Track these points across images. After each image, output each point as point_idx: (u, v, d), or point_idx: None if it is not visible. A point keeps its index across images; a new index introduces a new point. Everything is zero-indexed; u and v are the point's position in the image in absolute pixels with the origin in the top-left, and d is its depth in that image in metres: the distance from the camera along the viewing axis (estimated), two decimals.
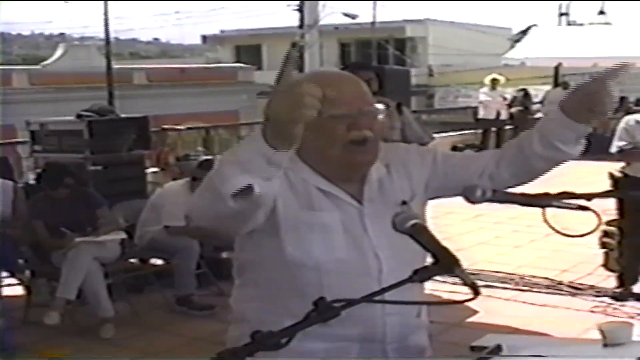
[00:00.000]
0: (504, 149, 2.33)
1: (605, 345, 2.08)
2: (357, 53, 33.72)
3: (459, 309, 5.30)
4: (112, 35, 19.20)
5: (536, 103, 18.72)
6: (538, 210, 2.13)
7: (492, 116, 16.91)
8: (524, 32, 23.55)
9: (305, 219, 2.06)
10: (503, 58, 18.61)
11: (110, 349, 5.51)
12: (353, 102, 2.07)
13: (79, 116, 7.77)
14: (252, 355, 1.47)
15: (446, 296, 5.16)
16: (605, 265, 6.69)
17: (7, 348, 5.21)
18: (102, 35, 18.68)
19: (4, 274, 6.40)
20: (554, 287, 6.57)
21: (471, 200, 2.19)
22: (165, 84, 23.67)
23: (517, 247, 8.14)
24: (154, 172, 9.71)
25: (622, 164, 6.09)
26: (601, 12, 22.27)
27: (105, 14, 17.11)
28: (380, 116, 2.16)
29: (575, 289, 6.46)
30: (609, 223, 6.26)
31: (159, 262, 6.90)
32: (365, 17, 28.95)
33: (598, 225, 2.16)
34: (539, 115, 16.08)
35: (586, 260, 7.06)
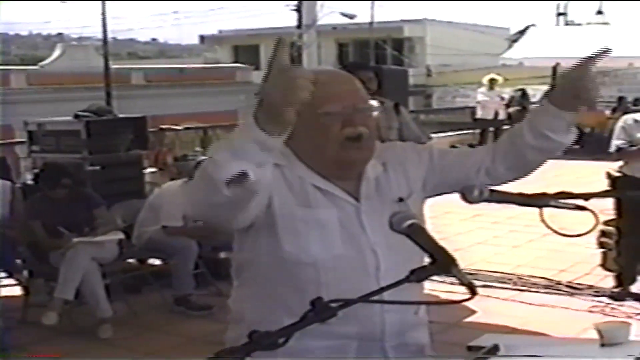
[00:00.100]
0: (497, 143, 2.34)
1: (603, 345, 2.08)
2: (355, 53, 33.73)
3: (457, 309, 5.30)
4: (110, 35, 19.25)
5: (534, 103, 18.70)
6: (536, 210, 2.13)
7: (490, 116, 16.94)
8: (522, 32, 23.59)
9: (302, 216, 2.06)
10: (501, 58, 18.66)
11: (108, 349, 5.51)
12: (347, 99, 2.08)
13: (76, 116, 7.76)
14: (249, 354, 1.47)
15: (444, 296, 5.15)
16: (603, 265, 6.69)
17: (5, 348, 5.21)
18: (100, 35, 18.72)
19: (2, 274, 6.43)
20: (552, 287, 6.57)
21: (469, 200, 2.20)
22: (163, 84, 23.65)
23: (515, 247, 8.15)
24: (152, 172, 9.71)
25: (619, 163, 6.09)
26: (599, 12, 22.34)
27: (103, 14, 17.14)
28: (375, 113, 2.17)
29: (574, 289, 6.46)
30: (606, 223, 6.27)
31: (157, 262, 6.91)
32: (363, 17, 28.96)
33: (596, 225, 2.16)
34: None
35: (584, 260, 7.06)
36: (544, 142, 2.18)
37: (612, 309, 5.89)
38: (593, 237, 6.50)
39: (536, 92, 19.88)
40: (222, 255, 6.67)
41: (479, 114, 17.36)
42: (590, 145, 15.46)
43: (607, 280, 6.43)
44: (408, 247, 1.73)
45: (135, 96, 19.40)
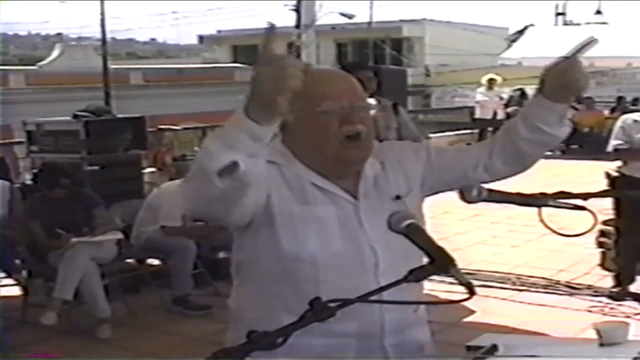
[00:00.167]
0: (494, 138, 2.34)
1: (602, 344, 2.08)
2: (354, 53, 33.69)
3: (456, 309, 5.30)
4: (109, 35, 19.23)
5: None
6: (535, 210, 2.14)
7: (489, 116, 16.94)
8: (521, 32, 23.64)
9: (300, 213, 2.06)
10: (500, 58, 18.68)
11: (107, 349, 5.51)
12: (345, 97, 2.08)
13: (75, 116, 7.76)
14: (248, 355, 1.47)
15: (443, 296, 5.15)
16: (602, 265, 6.70)
17: (4, 348, 5.21)
18: (98, 35, 18.66)
19: (1, 274, 6.42)
20: (551, 286, 6.57)
21: (467, 200, 2.20)
22: (162, 84, 23.61)
23: (514, 247, 8.15)
24: (151, 172, 9.71)
25: (618, 163, 6.10)
26: (598, 12, 22.36)
27: (102, 14, 17.07)
28: (373, 111, 2.18)
29: (573, 289, 6.46)
30: (605, 222, 6.27)
31: (156, 262, 6.91)
32: (362, 17, 28.90)
33: (594, 225, 2.17)
34: None
35: (583, 260, 7.07)
36: (538, 135, 2.18)
37: (611, 308, 5.90)
38: (592, 237, 6.51)
39: (535, 92, 19.89)
40: (221, 255, 6.67)
41: (478, 113, 17.36)
42: (589, 145, 15.48)
43: (606, 280, 6.44)
44: (407, 245, 1.73)
45: (134, 96, 19.37)
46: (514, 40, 23.84)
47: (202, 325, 5.87)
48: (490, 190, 2.20)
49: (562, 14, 32.28)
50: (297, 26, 18.01)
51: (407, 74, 11.48)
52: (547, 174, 9.44)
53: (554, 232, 2.24)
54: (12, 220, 6.28)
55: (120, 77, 21.01)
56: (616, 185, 5.96)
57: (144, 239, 6.47)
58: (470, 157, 2.28)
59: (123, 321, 5.97)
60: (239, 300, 2.21)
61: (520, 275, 6.92)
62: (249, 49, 35.38)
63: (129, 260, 6.83)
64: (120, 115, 8.74)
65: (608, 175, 6.13)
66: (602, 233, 6.51)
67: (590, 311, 5.87)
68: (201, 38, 40.82)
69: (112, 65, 19.01)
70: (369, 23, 28.74)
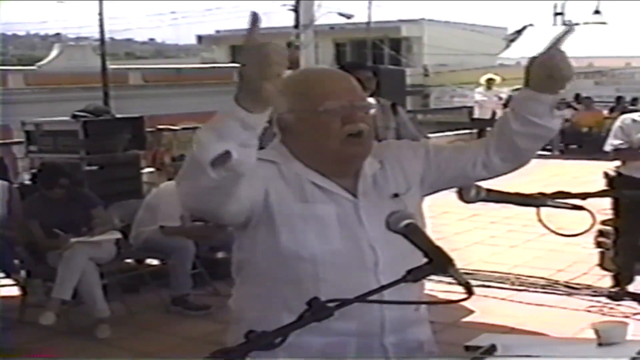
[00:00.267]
0: (490, 135, 2.34)
1: (600, 344, 2.08)
2: (353, 53, 33.67)
3: (455, 309, 5.30)
4: (108, 35, 19.21)
5: None
6: (533, 210, 2.14)
7: (488, 116, 16.92)
8: (520, 32, 23.61)
9: (300, 211, 2.07)
10: (498, 58, 18.66)
11: (105, 349, 5.50)
12: (345, 96, 2.09)
13: (74, 116, 7.76)
14: (247, 354, 1.47)
15: (441, 296, 5.15)
16: (601, 265, 6.70)
17: (2, 348, 5.20)
18: (97, 35, 18.66)
19: (0, 274, 6.41)
20: (550, 286, 6.57)
21: (466, 200, 2.20)
22: (161, 84, 23.60)
23: (512, 247, 8.15)
24: (150, 172, 9.71)
25: (617, 163, 6.10)
26: (596, 12, 22.32)
27: (100, 14, 17.07)
28: (373, 110, 2.18)
29: (571, 289, 6.46)
30: (604, 222, 6.27)
31: (155, 262, 6.91)
32: (360, 17, 28.89)
33: (593, 225, 2.17)
34: None
35: (582, 260, 7.07)
36: (530, 128, 2.18)
37: (610, 308, 5.90)
38: (590, 237, 6.51)
39: None
40: (220, 255, 6.67)
41: (477, 113, 17.35)
42: (587, 145, 15.48)
43: (605, 280, 6.44)
44: (407, 243, 1.74)
45: (132, 96, 19.35)
46: (512, 40, 23.81)
47: (201, 325, 5.86)
48: (489, 190, 2.20)
49: (561, 13, 32.27)
50: (296, 26, 17.97)
51: (406, 73, 11.49)
52: (546, 174, 9.43)
53: (553, 232, 2.24)
54: (10, 220, 6.28)
55: (119, 77, 21.00)
56: (615, 185, 5.96)
57: (143, 239, 6.47)
58: (469, 154, 2.28)
59: (122, 321, 5.96)
60: (240, 300, 2.21)
61: (519, 275, 6.92)
62: None
63: (127, 260, 6.83)
64: (119, 115, 8.74)
65: (607, 175, 6.14)
66: (601, 233, 6.51)
67: (588, 311, 5.87)
68: (200, 38, 40.81)
69: (110, 65, 19.01)
70: (368, 23, 28.73)
